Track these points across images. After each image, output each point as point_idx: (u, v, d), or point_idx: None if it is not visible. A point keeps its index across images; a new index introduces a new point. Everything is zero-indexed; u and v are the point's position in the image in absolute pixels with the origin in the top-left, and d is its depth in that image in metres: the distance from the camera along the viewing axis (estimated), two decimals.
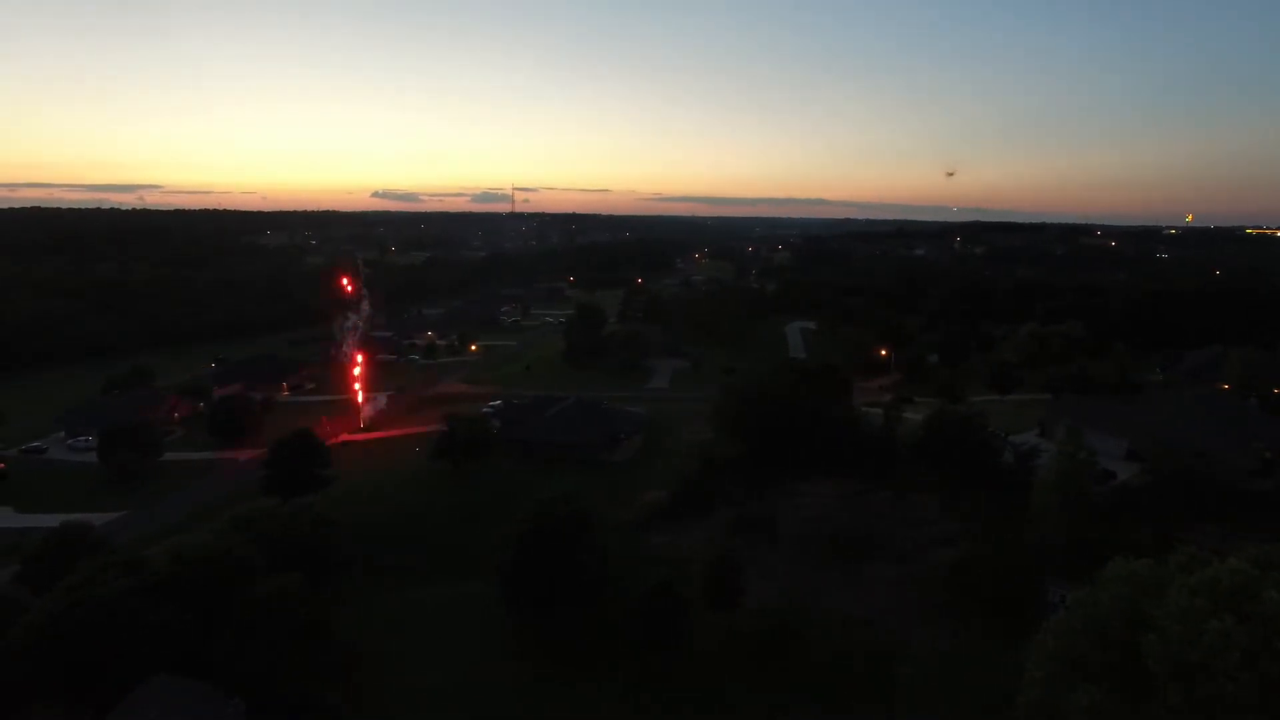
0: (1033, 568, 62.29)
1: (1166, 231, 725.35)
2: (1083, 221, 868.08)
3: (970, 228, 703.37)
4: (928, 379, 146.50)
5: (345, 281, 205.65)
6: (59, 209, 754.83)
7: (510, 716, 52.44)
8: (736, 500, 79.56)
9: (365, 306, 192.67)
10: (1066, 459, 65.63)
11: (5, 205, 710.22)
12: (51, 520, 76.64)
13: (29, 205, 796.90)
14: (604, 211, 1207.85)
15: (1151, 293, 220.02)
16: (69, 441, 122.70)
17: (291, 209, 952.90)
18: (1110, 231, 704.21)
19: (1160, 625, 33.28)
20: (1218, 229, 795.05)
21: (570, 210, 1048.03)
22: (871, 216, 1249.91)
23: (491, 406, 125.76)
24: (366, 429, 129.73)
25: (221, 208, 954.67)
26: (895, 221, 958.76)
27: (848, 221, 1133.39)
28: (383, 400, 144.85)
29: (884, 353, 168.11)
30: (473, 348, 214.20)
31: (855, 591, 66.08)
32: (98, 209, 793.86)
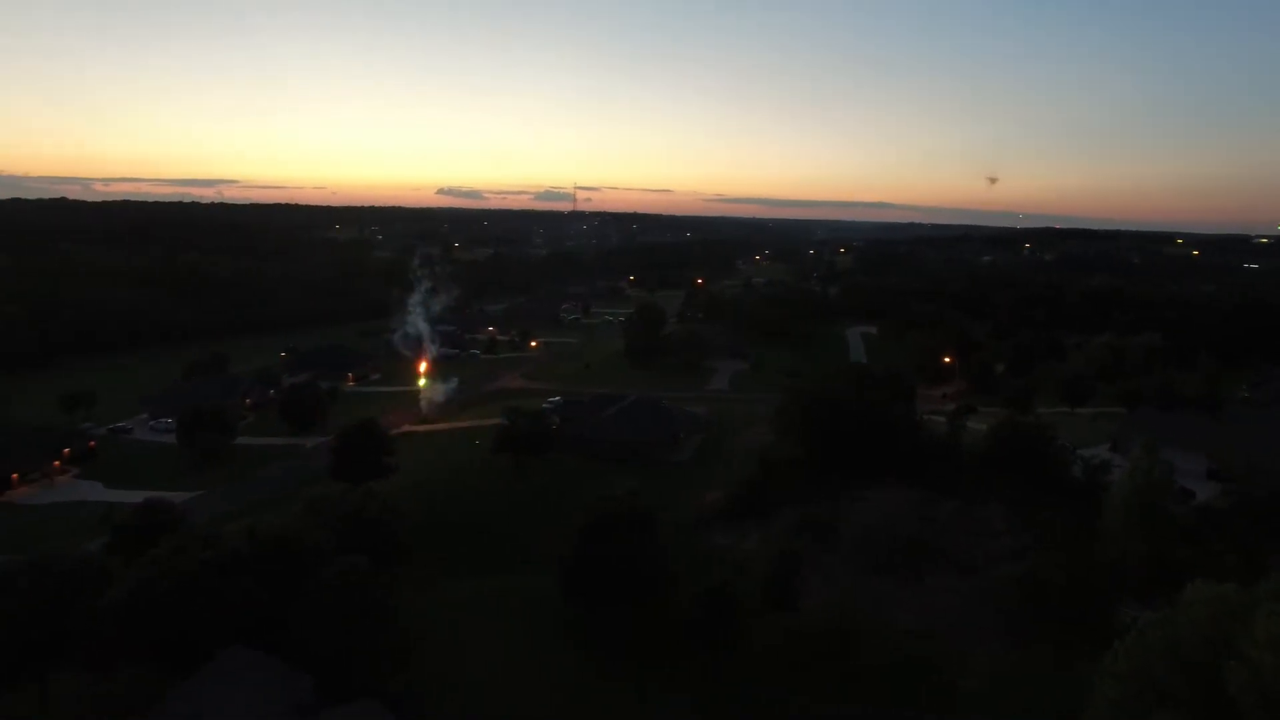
0: (1104, 586, 60.22)
1: (1257, 240, 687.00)
2: (1161, 229, 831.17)
3: (1041, 234, 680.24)
4: (995, 388, 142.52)
5: (410, 276, 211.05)
6: (146, 202, 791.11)
7: (564, 708, 53.07)
8: (798, 503, 78.79)
9: (429, 301, 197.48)
10: (1142, 475, 63.16)
11: (101, 199, 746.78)
12: (135, 496, 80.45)
13: (121, 199, 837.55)
14: (665, 211, 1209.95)
15: (1239, 304, 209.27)
16: (151, 423, 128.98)
17: (359, 204, 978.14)
18: (1192, 240, 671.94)
19: (1247, 654, 31.83)
20: None
21: (632, 210, 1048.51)
22: (937, 221, 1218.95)
23: (551, 403, 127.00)
24: (428, 420, 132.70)
25: (294, 202, 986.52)
26: (961, 226, 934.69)
27: (912, 226, 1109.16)
28: (445, 392, 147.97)
29: (949, 360, 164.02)
30: (533, 344, 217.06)
31: (917, 600, 64.90)
32: (180, 202, 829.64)
